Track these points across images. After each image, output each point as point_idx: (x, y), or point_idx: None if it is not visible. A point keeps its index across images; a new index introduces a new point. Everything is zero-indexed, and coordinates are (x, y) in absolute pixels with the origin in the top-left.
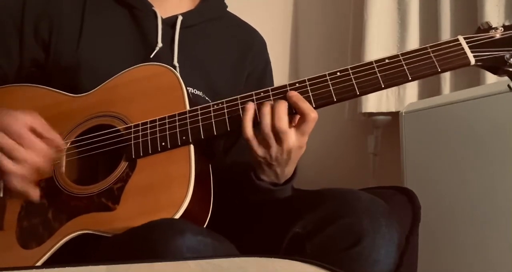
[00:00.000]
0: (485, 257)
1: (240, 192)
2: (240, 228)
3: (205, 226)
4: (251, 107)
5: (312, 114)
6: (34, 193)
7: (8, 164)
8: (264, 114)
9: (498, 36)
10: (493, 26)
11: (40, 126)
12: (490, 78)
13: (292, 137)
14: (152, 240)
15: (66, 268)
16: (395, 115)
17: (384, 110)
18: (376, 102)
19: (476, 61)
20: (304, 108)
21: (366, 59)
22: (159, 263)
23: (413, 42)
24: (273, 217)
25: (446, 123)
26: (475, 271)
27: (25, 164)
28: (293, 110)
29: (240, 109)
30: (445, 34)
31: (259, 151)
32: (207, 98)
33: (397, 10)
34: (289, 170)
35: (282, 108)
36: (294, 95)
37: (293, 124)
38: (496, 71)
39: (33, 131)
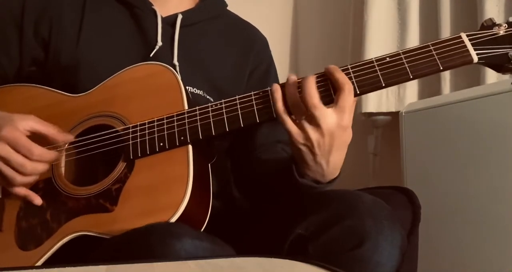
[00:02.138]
0: (485, 257)
1: (274, 189)
2: (242, 229)
3: (204, 226)
4: (278, 88)
5: (347, 85)
6: (36, 199)
7: (7, 171)
8: (292, 93)
9: (501, 33)
10: (496, 23)
11: (40, 127)
12: (490, 78)
13: (329, 115)
14: (149, 244)
15: (66, 268)
16: (395, 115)
17: (384, 110)
18: (376, 102)
19: (479, 58)
20: (339, 78)
21: (366, 58)
22: (159, 263)
23: (413, 42)
24: (275, 218)
25: (446, 123)
26: (475, 271)
27: (25, 171)
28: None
29: (240, 113)
30: (445, 34)
31: (298, 136)
32: (208, 97)
33: (397, 10)
34: (334, 162)
35: (310, 83)
36: (331, 67)
37: (332, 105)
38: (499, 68)
39: (34, 133)
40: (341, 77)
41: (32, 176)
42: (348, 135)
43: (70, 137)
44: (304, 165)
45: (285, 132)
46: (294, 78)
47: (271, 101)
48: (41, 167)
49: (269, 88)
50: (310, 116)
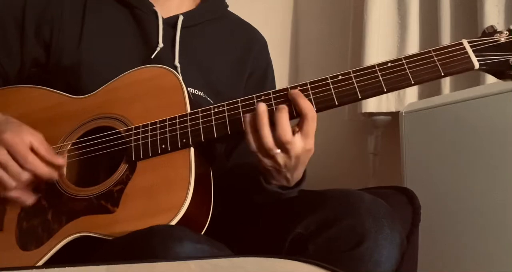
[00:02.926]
0: (485, 257)
1: (245, 194)
2: (241, 229)
3: (205, 228)
4: (251, 120)
5: (310, 113)
6: (28, 200)
7: (8, 181)
8: (265, 130)
9: (503, 40)
10: (498, 30)
11: (41, 150)
12: (490, 78)
13: (297, 144)
14: (151, 247)
15: (66, 268)
16: (395, 115)
17: (384, 110)
18: (376, 102)
19: (480, 65)
20: (302, 107)
21: (366, 59)
22: (160, 263)
23: (413, 43)
24: (275, 218)
25: (446, 123)
26: (475, 270)
27: (26, 180)
28: (293, 113)
29: (242, 116)
30: (445, 34)
31: (267, 162)
32: (208, 98)
33: (397, 10)
34: (298, 174)
35: (284, 117)
36: (295, 92)
37: (297, 130)
38: (500, 75)
39: (35, 151)
40: (304, 104)
41: (26, 180)
42: (310, 154)
43: (61, 161)
44: (269, 176)
45: None
46: (265, 112)
47: (246, 136)
48: (26, 176)
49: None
50: (280, 147)
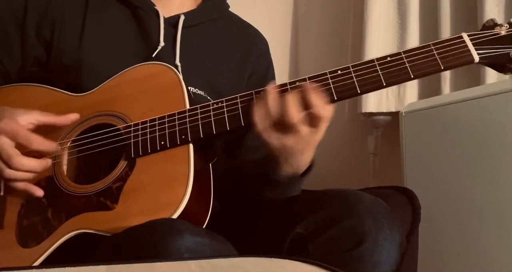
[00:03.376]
0: (485, 257)
1: (253, 190)
2: (241, 229)
3: (205, 225)
4: (261, 99)
5: (325, 119)
6: (38, 191)
7: (5, 170)
8: (273, 106)
9: (503, 33)
10: (498, 23)
11: (44, 118)
12: (490, 78)
13: (304, 128)
14: (150, 241)
15: (66, 268)
16: (395, 115)
17: (384, 110)
18: (376, 102)
19: (480, 58)
20: (319, 109)
21: (366, 59)
22: (159, 263)
23: (413, 42)
24: (275, 218)
25: (446, 123)
26: (475, 271)
27: (11, 164)
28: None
29: (249, 104)
30: (445, 34)
31: (273, 143)
32: (209, 97)
33: (397, 10)
34: (305, 159)
35: (292, 99)
36: (311, 88)
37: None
38: (500, 68)
39: (39, 126)
40: (320, 106)
41: (20, 171)
42: (320, 137)
43: (74, 116)
44: (276, 164)
45: None
46: (274, 91)
47: (253, 114)
48: (28, 163)
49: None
50: (287, 128)
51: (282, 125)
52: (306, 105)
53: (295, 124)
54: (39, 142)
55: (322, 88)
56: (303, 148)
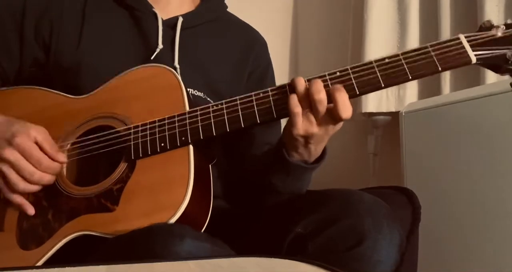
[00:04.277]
0: (485, 257)
1: (263, 179)
2: (241, 229)
3: (204, 226)
4: (297, 83)
5: (344, 115)
6: (30, 209)
7: (12, 176)
8: (302, 90)
9: (499, 34)
10: (494, 25)
11: (45, 145)
12: (490, 78)
13: (330, 119)
14: (151, 245)
15: (66, 268)
16: (395, 115)
17: (384, 110)
18: (376, 102)
19: (477, 59)
20: (341, 111)
21: (366, 59)
22: (159, 263)
23: (413, 42)
24: (275, 217)
25: (446, 123)
26: (475, 271)
27: (32, 179)
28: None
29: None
30: (445, 34)
31: (301, 129)
32: (208, 99)
33: (397, 10)
34: (320, 148)
35: (344, 95)
36: (338, 87)
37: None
38: (497, 69)
39: (39, 145)
40: (347, 102)
41: (36, 185)
42: (339, 127)
43: (63, 159)
44: (294, 150)
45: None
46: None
47: (288, 93)
48: (47, 178)
49: (269, 89)
50: (323, 116)
51: (315, 112)
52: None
53: (326, 113)
54: (47, 165)
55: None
56: (323, 137)
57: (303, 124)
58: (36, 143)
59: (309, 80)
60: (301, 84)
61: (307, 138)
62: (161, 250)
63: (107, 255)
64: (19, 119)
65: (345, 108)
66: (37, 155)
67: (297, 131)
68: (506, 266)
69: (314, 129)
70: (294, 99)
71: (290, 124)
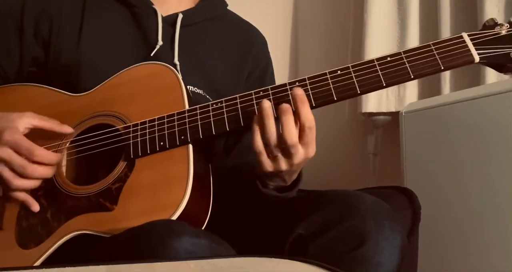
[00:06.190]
0: (485, 257)
1: (244, 195)
2: (242, 230)
3: (204, 226)
4: (258, 118)
5: (307, 123)
6: (34, 205)
7: (6, 173)
8: (271, 127)
9: (503, 32)
10: (498, 23)
11: (37, 122)
12: (491, 78)
13: (300, 152)
14: (149, 242)
15: (66, 268)
16: (395, 115)
17: (384, 110)
18: (376, 102)
19: (481, 58)
20: (302, 117)
21: (366, 59)
22: (159, 263)
23: (413, 42)
24: (276, 218)
25: (446, 123)
26: (475, 271)
27: (25, 172)
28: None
29: (240, 112)
30: (445, 34)
31: (268, 165)
32: (207, 96)
33: (397, 10)
34: (295, 175)
35: (289, 119)
36: (299, 96)
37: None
38: (500, 68)
39: (34, 130)
40: (305, 115)
41: (32, 179)
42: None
43: (69, 129)
44: (267, 179)
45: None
46: (269, 108)
47: (252, 135)
48: (41, 170)
49: (269, 87)
50: (285, 151)
51: (282, 149)
52: (299, 119)
53: (294, 145)
54: (39, 153)
55: (321, 88)
56: (296, 170)
57: (269, 161)
58: (29, 128)
59: (290, 84)
60: (268, 117)
61: (278, 173)
62: (160, 248)
63: (105, 253)
64: (4, 113)
65: (290, 134)
66: (26, 145)
67: (266, 168)
68: (506, 266)
69: (284, 166)
70: (257, 137)
71: (259, 163)
